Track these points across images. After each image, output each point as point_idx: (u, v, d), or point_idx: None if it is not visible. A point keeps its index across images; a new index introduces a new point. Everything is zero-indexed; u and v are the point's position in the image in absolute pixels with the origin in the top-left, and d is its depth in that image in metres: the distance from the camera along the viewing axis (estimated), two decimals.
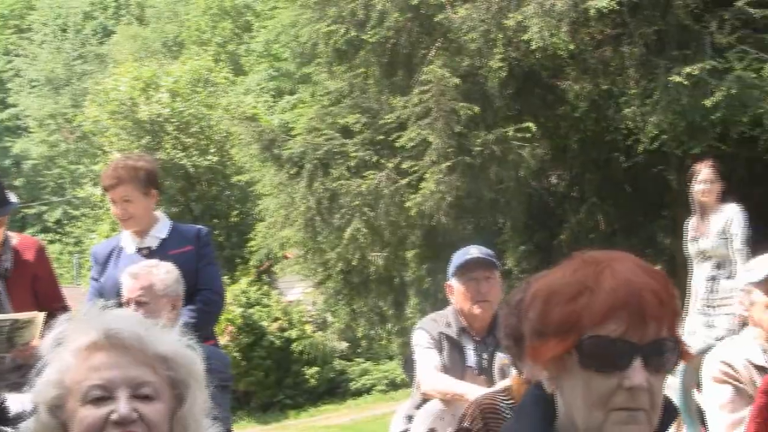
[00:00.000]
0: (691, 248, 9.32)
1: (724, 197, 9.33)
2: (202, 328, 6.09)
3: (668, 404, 2.03)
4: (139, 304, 4.99)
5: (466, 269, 5.49)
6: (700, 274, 9.20)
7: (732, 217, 9.09)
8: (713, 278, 9.03)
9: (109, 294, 5.64)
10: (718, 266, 9.07)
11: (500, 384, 4.77)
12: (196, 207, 29.98)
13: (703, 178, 9.17)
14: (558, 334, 1.95)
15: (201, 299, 5.92)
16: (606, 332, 1.92)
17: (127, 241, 6.04)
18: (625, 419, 1.92)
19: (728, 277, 8.92)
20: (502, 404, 3.64)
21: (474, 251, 5.57)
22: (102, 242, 6.77)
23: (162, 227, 6.05)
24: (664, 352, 1.95)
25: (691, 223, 9.40)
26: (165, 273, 5.13)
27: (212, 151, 30.20)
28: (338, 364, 25.59)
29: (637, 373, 1.90)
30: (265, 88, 35.93)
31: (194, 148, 30.07)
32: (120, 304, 5.28)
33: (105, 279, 5.93)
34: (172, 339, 2.33)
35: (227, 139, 29.23)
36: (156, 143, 29.58)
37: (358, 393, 24.30)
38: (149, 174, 6.08)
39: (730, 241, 9.02)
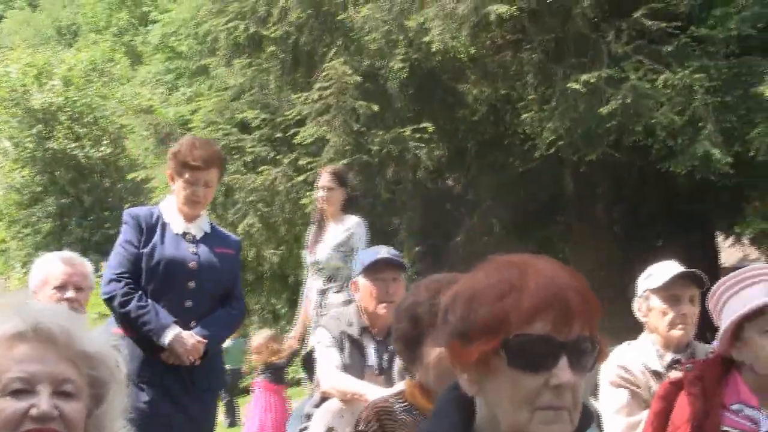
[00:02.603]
0: (308, 258, 8.69)
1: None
2: (230, 335, 6.08)
3: (585, 406, 2.05)
4: (78, 289, 4.97)
5: (374, 269, 5.48)
6: (313, 285, 8.62)
7: (354, 230, 8.54)
8: (323, 292, 8.43)
9: (151, 268, 5.41)
10: (330, 279, 8.47)
11: (397, 386, 4.76)
12: (87, 198, 29.46)
13: (323, 184, 8.54)
14: (484, 334, 1.95)
15: (240, 308, 5.81)
16: (533, 331, 1.92)
17: (173, 218, 5.62)
18: (551, 418, 1.93)
19: (338, 291, 8.39)
20: (397, 407, 3.63)
21: (384, 251, 5.59)
22: (140, 207, 5.95)
23: (205, 221, 5.76)
24: (586, 350, 1.97)
25: (311, 232, 8.82)
26: (90, 267, 5.09)
27: (106, 142, 29.73)
28: None
29: (563, 371, 1.91)
30: (161, 80, 35.51)
31: (87, 139, 29.56)
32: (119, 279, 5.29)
33: (149, 250, 5.46)
34: (97, 337, 2.29)
35: (121, 131, 28.81)
36: (48, 132, 29.01)
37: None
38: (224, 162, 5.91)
39: (348, 255, 8.37)
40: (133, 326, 5.34)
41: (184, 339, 5.32)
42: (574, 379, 1.93)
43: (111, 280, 5.40)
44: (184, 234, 5.57)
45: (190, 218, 5.60)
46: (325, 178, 8.56)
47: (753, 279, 3.79)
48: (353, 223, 8.58)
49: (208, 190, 5.59)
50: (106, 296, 5.39)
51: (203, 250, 5.56)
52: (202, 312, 5.50)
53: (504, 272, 1.99)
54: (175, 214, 5.60)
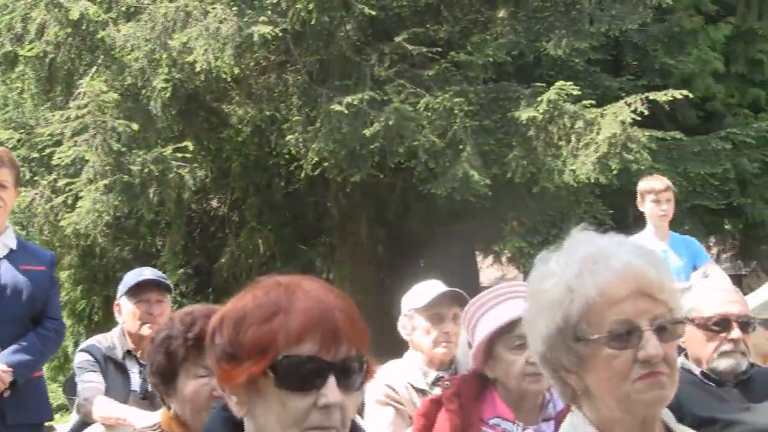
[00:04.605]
0: None
1: None
2: (46, 359, 5.48)
3: (355, 425, 2.07)
4: None
5: (138, 290, 5.37)
6: None
7: None
8: None
9: None
10: None
11: (158, 413, 4.65)
12: None
13: None
14: (253, 356, 1.93)
15: (54, 328, 5.26)
16: (301, 352, 1.92)
17: None
18: None
19: None
20: None
21: (148, 273, 5.51)
22: None
23: (10, 235, 5.16)
24: (355, 370, 1.98)
25: None
26: None
27: None
28: None
29: (331, 391, 1.92)
30: None
31: None
32: None
33: None
34: None
35: None
36: None
37: None
38: (19, 170, 5.26)
39: None
40: None
41: None
42: (342, 398, 1.93)
43: None
44: None
45: None
46: None
47: (502, 297, 3.90)
48: None
49: (6, 192, 5.01)
50: None
51: (7, 269, 5.05)
52: (10, 337, 5.03)
53: (271, 294, 1.99)
54: None
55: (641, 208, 7.73)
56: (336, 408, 1.93)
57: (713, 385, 3.88)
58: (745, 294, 5.67)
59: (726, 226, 16.29)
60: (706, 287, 4.09)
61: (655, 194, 7.60)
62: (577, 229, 2.26)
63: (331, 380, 1.92)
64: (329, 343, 1.93)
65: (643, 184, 7.79)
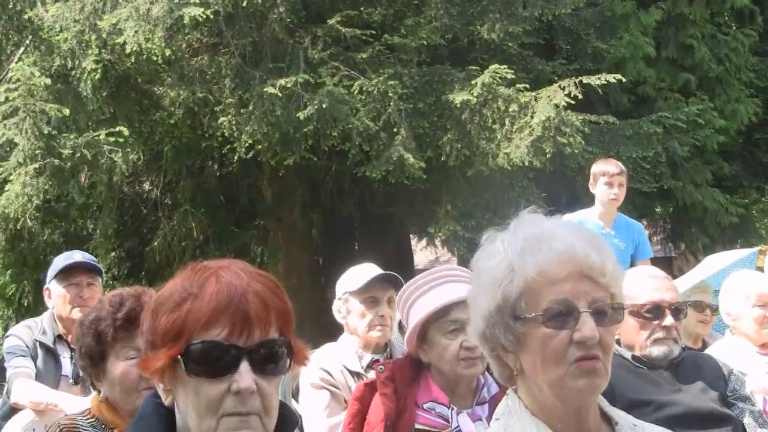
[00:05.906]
0: None
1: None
2: None
3: (287, 410, 2.03)
4: None
5: (68, 273, 5.29)
6: None
7: None
8: None
9: None
10: None
11: (85, 401, 4.58)
12: None
13: None
14: (166, 343, 1.92)
15: None
16: (211, 337, 1.90)
17: None
18: (236, 425, 1.89)
19: None
20: (83, 424, 3.49)
21: (78, 256, 5.44)
22: None
23: None
24: (274, 354, 1.95)
25: None
26: None
27: None
28: None
29: (244, 377, 1.89)
30: None
31: None
32: None
33: None
34: None
35: None
36: None
37: None
38: None
39: None
40: None
41: None
42: (258, 383, 1.91)
43: None
44: None
45: None
46: None
47: (437, 280, 3.87)
48: None
49: None
50: None
51: None
52: None
53: (186, 280, 1.97)
54: None
55: (592, 190, 7.64)
56: (253, 393, 1.90)
57: (645, 368, 3.89)
58: (675, 277, 5.74)
59: (657, 209, 16.48)
60: (638, 274, 4.09)
61: (608, 177, 7.51)
62: (526, 210, 2.26)
63: (244, 365, 1.90)
64: (240, 327, 1.91)
65: (597, 167, 7.71)
